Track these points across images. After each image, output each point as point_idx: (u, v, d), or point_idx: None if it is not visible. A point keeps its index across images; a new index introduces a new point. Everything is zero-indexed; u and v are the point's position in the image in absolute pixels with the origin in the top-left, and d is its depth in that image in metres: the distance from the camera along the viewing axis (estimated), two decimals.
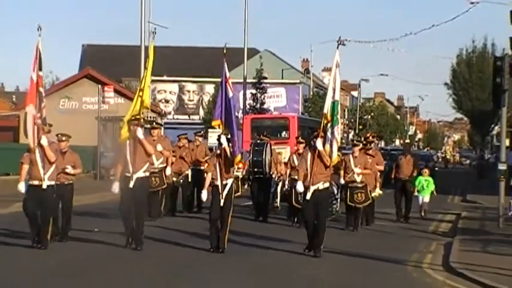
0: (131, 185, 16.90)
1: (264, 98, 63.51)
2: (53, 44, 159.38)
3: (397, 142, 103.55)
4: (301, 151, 21.47)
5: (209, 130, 54.04)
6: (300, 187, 17.70)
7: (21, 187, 16.85)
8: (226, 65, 18.48)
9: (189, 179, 25.83)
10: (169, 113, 71.71)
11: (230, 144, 17.60)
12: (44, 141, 16.73)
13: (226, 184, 17.39)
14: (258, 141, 26.31)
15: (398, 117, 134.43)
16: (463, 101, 78.47)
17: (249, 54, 55.59)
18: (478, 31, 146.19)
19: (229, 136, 17.73)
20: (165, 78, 72.31)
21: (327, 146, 17.58)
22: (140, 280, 14.13)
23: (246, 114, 52.65)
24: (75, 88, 61.10)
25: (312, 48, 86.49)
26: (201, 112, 72.76)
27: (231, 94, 18.21)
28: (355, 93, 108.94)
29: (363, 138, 30.55)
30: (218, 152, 17.62)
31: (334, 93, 18.11)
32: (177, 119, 71.92)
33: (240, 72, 57.76)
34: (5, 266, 15.06)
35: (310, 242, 17.49)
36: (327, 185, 17.71)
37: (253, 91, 63.00)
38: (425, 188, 26.95)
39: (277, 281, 15.00)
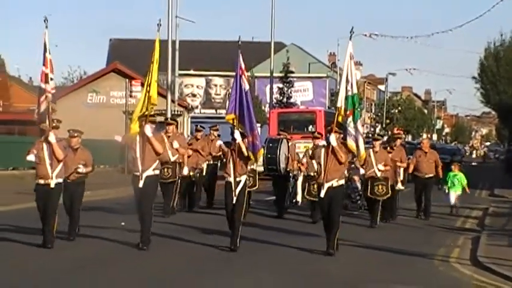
0: (140, 184, 16.39)
1: (290, 92, 63.65)
2: (81, 39, 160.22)
3: (424, 136, 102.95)
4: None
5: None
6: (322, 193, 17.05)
7: (30, 157, 16.30)
8: (241, 57, 17.39)
9: (204, 173, 25.43)
10: (196, 107, 71.62)
11: (248, 139, 17.00)
12: (52, 138, 16.07)
13: (239, 181, 16.84)
14: (273, 138, 26.12)
15: (425, 111, 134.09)
16: (491, 95, 78.14)
17: (275, 49, 55.61)
18: (506, 24, 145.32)
19: (242, 131, 17.06)
20: (191, 72, 72.38)
21: (350, 141, 17.11)
22: (144, 279, 13.82)
23: (272, 108, 52.70)
24: (102, 82, 61.41)
25: (338, 42, 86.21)
26: (228, 104, 72.80)
27: (247, 87, 17.44)
28: (382, 87, 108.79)
29: (389, 133, 30.43)
30: (232, 147, 16.95)
31: (351, 86, 17.63)
32: (204, 113, 71.88)
33: (267, 66, 57.92)
34: (16, 262, 15.01)
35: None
36: (341, 182, 17.18)
37: (280, 85, 63.11)
38: (456, 184, 26.41)
39: (296, 274, 15.00)
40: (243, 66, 17.34)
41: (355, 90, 17.80)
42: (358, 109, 17.91)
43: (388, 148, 24.28)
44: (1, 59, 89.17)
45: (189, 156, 23.51)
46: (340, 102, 17.72)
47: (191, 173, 24.11)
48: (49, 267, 14.59)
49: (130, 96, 57.80)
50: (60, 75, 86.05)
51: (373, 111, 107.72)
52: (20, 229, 18.42)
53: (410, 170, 24.89)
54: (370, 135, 46.80)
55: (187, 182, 24.37)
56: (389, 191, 22.60)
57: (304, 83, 75.00)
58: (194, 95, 75.92)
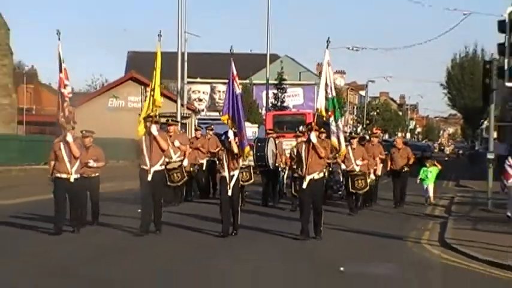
0: (149, 178, 16.17)
1: (284, 97, 63.76)
2: (102, 51, 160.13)
3: (400, 135, 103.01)
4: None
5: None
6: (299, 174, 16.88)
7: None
8: (233, 64, 16.94)
9: (204, 168, 24.78)
10: (202, 110, 71.64)
11: (237, 138, 16.63)
12: (69, 137, 15.99)
13: (233, 175, 16.45)
14: (261, 138, 25.76)
15: (400, 113, 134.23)
16: (457, 99, 78.71)
17: (271, 59, 55.60)
18: (469, 38, 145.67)
19: (235, 130, 16.73)
20: (198, 80, 72.32)
21: (333, 139, 17.09)
22: (155, 264, 13.30)
23: (268, 111, 52.81)
24: (121, 89, 61.48)
25: (325, 53, 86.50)
26: None
27: (238, 91, 17.01)
28: (363, 93, 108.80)
29: (369, 132, 30.39)
30: (226, 145, 16.64)
31: (331, 90, 17.50)
32: (209, 115, 71.90)
33: (263, 75, 57.92)
34: (43, 248, 14.68)
35: (304, 230, 16.46)
36: (321, 174, 16.82)
37: (275, 91, 63.21)
38: (429, 177, 25.89)
39: (286, 254, 14.96)
40: (235, 72, 17.02)
41: (334, 93, 17.70)
42: (339, 110, 17.68)
43: (367, 144, 24.16)
44: (34, 69, 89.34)
45: (189, 153, 22.95)
46: (320, 104, 17.57)
47: (191, 168, 23.41)
48: (72, 253, 14.34)
49: (145, 100, 57.67)
50: (85, 82, 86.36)
51: (355, 113, 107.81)
52: (48, 218, 17.82)
53: (388, 165, 24.60)
54: (347, 134, 47.07)
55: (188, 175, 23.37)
56: (368, 185, 22.28)
57: (296, 89, 74.93)
58: (200, 100, 75.75)
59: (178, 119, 39.76)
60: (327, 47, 17.75)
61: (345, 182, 22.79)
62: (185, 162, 22.54)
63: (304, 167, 16.49)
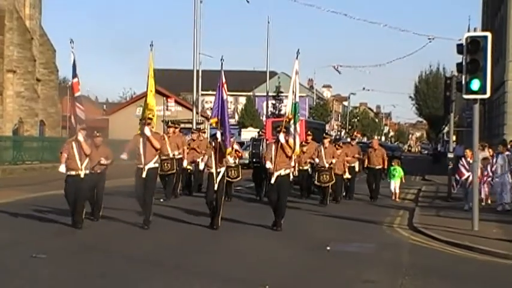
0: (144, 175, 14.96)
1: (281, 107, 64.00)
2: (131, 68, 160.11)
3: (376, 137, 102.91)
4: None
5: (242, 130, 54.09)
6: (268, 165, 15.67)
7: (62, 168, 14.90)
8: (223, 73, 15.95)
9: (199, 166, 23.42)
10: None
11: (223, 139, 15.66)
12: (81, 137, 14.88)
13: (219, 172, 15.27)
14: (256, 138, 25.35)
15: (376, 120, 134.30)
16: (423, 109, 78.94)
17: (270, 75, 55.71)
18: (433, 58, 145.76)
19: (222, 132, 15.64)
20: (210, 92, 72.27)
21: (291, 139, 15.90)
22: (148, 253, 12.32)
23: (268, 118, 52.92)
24: None
25: (315, 71, 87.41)
26: (236, 117, 72.83)
27: (225, 97, 15.97)
28: (346, 103, 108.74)
29: (351, 134, 30.23)
30: (214, 145, 15.45)
31: (294, 96, 16.52)
32: None
33: (264, 88, 57.92)
34: (45, 241, 13.19)
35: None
36: (288, 171, 15.75)
37: (273, 102, 63.36)
38: (396, 175, 24.54)
39: (278, 238, 14.93)
40: (223, 79, 15.96)
41: (297, 99, 16.72)
42: (298, 114, 16.70)
43: (348, 145, 24.05)
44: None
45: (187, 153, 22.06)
46: (288, 108, 16.85)
47: (189, 166, 22.43)
48: (78, 242, 13.42)
49: (167, 109, 57.78)
50: (117, 94, 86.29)
51: (339, 120, 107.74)
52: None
53: (365, 163, 24.01)
54: (332, 137, 46.84)
55: (186, 173, 22.79)
56: (333, 179, 21.12)
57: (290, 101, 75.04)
58: (212, 109, 75.93)
59: (194, 124, 39.87)
60: (297, 58, 16.86)
61: (313, 176, 21.82)
62: (185, 163, 21.87)
63: (273, 164, 15.54)
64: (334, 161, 21.17)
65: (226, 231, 15.02)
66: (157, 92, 62.46)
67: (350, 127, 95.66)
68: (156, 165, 15.46)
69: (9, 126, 42.45)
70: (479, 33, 16.44)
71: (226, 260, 12.02)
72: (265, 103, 58.55)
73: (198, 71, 42.23)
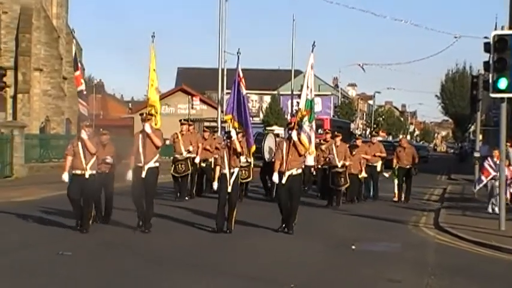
0: (143, 175, 13.82)
1: None
2: (158, 67, 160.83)
3: (401, 136, 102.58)
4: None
5: (267, 128, 54.07)
6: (275, 178, 14.61)
7: (65, 177, 13.94)
8: (240, 67, 15.00)
9: (212, 166, 20.59)
10: None
11: (245, 137, 15.00)
12: (84, 134, 13.83)
13: (233, 172, 14.24)
14: (260, 133, 24.34)
15: (402, 119, 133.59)
16: (449, 107, 78.45)
17: (295, 74, 55.46)
18: (460, 57, 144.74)
19: (239, 130, 14.81)
20: None
21: (303, 137, 14.82)
22: (155, 257, 11.57)
23: (292, 116, 52.81)
24: (172, 98, 61.97)
25: (340, 69, 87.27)
26: (261, 115, 72.85)
27: (244, 92, 14.92)
28: (371, 102, 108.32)
29: (374, 132, 29.63)
30: (228, 144, 14.40)
31: (310, 91, 15.48)
32: None
33: (289, 87, 57.83)
34: (50, 245, 12.53)
35: (283, 221, 14.62)
36: (299, 171, 14.70)
37: (299, 100, 63.17)
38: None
39: (303, 235, 14.88)
40: (241, 74, 15.03)
41: (312, 95, 15.73)
42: (313, 112, 15.74)
43: (368, 144, 23.09)
44: (101, 82, 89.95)
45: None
46: (302, 104, 15.60)
47: (203, 164, 21.32)
48: (97, 241, 12.89)
49: (192, 108, 58.15)
50: (143, 93, 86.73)
51: (364, 119, 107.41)
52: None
53: (394, 162, 22.58)
54: (355, 135, 46.51)
55: (199, 172, 21.44)
56: (348, 182, 20.03)
57: (315, 99, 74.41)
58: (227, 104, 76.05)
59: (219, 123, 39.96)
60: (312, 51, 15.84)
61: (324, 179, 20.63)
62: (197, 160, 20.90)
63: (284, 163, 14.51)
64: (347, 163, 20.02)
65: (243, 232, 14.44)
66: (183, 90, 63.17)
67: (375, 126, 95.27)
68: (157, 164, 14.21)
69: (36, 124, 42.73)
70: (506, 31, 16.33)
71: (249, 259, 11.97)
72: (289, 102, 58.41)
73: (223, 70, 42.25)
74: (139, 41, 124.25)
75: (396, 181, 22.87)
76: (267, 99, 74.72)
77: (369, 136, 30.25)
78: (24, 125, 32.27)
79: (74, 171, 13.91)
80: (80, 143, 13.89)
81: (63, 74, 46.05)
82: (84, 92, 15.03)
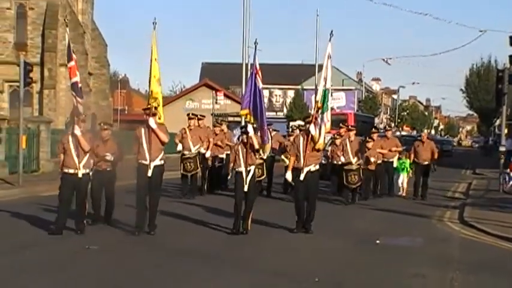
0: (149, 173, 12.87)
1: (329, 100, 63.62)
2: (182, 62, 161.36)
3: (426, 131, 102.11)
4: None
5: (290, 123, 54.01)
6: (288, 176, 14.12)
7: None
8: (257, 58, 14.11)
9: (224, 162, 20.69)
10: None
11: (259, 134, 13.99)
12: (77, 130, 12.84)
13: (249, 170, 13.33)
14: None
15: (426, 113, 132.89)
16: (474, 102, 77.90)
17: (319, 69, 55.35)
18: (485, 51, 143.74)
19: (255, 126, 13.83)
20: None
21: (313, 130, 13.91)
22: (159, 260, 10.79)
23: (315, 112, 52.77)
24: (196, 93, 62.09)
25: (363, 64, 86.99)
26: (285, 110, 72.82)
27: (260, 85, 13.92)
28: (395, 96, 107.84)
29: (387, 126, 28.69)
30: (244, 140, 13.47)
31: (325, 81, 14.65)
32: (268, 115, 72.16)
33: (312, 81, 57.73)
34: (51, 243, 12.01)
35: (298, 221, 13.88)
36: (317, 167, 13.89)
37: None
38: (404, 169, 22.42)
39: (324, 230, 14.81)
40: (258, 66, 14.04)
41: (328, 86, 14.89)
42: (328, 103, 14.84)
43: (383, 138, 22.24)
44: (126, 77, 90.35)
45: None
46: (319, 96, 14.71)
47: (216, 162, 20.57)
48: (78, 249, 11.65)
49: (216, 103, 58.29)
50: (168, 88, 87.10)
51: (388, 113, 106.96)
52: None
53: (411, 157, 21.85)
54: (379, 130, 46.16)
55: (209, 168, 20.56)
56: (362, 179, 19.41)
57: (339, 93, 74.50)
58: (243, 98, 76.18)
59: (243, 118, 39.84)
60: (330, 40, 14.95)
61: (340, 174, 19.68)
62: (207, 154, 19.97)
63: (302, 159, 13.75)
64: (361, 162, 19.39)
65: (262, 229, 14.10)
66: (207, 85, 63.34)
67: (399, 120, 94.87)
68: (162, 162, 13.16)
69: (62, 119, 43.02)
70: None
71: (270, 255, 11.92)
72: (313, 96, 58.32)
73: (247, 65, 42.29)
74: (161, 35, 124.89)
75: (402, 175, 22.36)
76: (291, 94, 74.72)
77: (383, 130, 29.70)
78: (51, 120, 32.45)
79: (65, 170, 12.92)
80: (71, 140, 12.91)
81: (89, 70, 46.38)
82: (79, 85, 13.76)
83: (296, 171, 13.96)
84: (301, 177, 13.72)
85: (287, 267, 10.69)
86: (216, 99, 60.18)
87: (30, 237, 12.73)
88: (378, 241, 13.13)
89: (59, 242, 12.30)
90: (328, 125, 14.87)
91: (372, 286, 9.66)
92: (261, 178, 19.16)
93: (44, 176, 25.73)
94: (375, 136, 21.11)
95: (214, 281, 9.60)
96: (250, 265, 10.80)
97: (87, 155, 12.99)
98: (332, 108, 65.93)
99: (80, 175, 12.84)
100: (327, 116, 14.57)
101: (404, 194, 22.22)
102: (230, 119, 40.73)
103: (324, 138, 15.01)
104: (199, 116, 20.31)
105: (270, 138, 15.07)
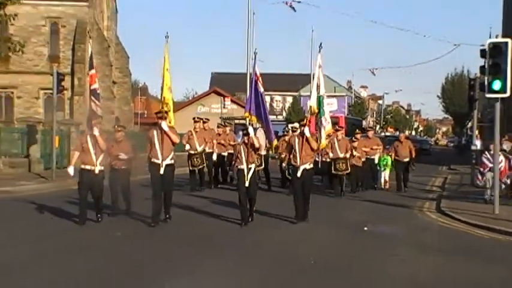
0: (161, 171, 12.75)
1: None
2: (194, 72, 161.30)
3: (407, 132, 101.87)
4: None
5: (289, 125, 53.95)
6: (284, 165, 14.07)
7: (70, 170, 13.05)
8: (257, 66, 14.11)
9: (225, 160, 20.94)
10: None
11: (266, 133, 13.93)
12: (96, 131, 12.80)
13: (250, 168, 13.17)
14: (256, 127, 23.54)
15: (407, 116, 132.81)
16: (449, 106, 78.04)
17: (313, 77, 55.44)
18: (458, 62, 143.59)
19: (257, 126, 13.87)
20: None
21: (307, 132, 13.91)
22: (175, 245, 10.90)
23: (310, 116, 52.70)
24: (207, 99, 62.14)
25: (353, 73, 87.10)
26: (284, 113, 72.76)
27: (262, 90, 13.86)
28: (380, 102, 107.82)
29: (368, 127, 28.21)
30: (245, 140, 13.24)
31: (318, 88, 14.88)
32: (269, 118, 72.10)
33: (308, 89, 57.73)
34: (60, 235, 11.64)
35: (298, 212, 13.77)
36: (311, 165, 13.86)
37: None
38: (386, 165, 22.37)
39: (317, 220, 14.80)
40: (258, 73, 14.08)
41: (321, 92, 15.19)
42: (323, 108, 15.10)
43: (366, 138, 21.94)
44: (145, 85, 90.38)
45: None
46: (312, 102, 15.23)
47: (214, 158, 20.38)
48: (99, 237, 11.54)
49: (224, 107, 58.19)
50: (182, 94, 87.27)
51: (374, 116, 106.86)
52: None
53: (392, 156, 21.91)
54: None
55: (216, 165, 20.84)
56: (348, 168, 19.37)
57: (331, 99, 74.12)
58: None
59: (247, 121, 39.81)
60: (319, 51, 15.31)
61: (328, 167, 19.56)
62: (214, 157, 20.18)
63: (298, 158, 13.79)
64: (348, 155, 19.41)
65: (264, 220, 14.02)
66: (216, 92, 63.27)
67: (384, 123, 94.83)
68: (172, 161, 13.02)
69: None
70: (500, 39, 16.15)
71: (272, 240, 11.95)
72: (308, 102, 58.40)
73: (250, 74, 42.32)
74: (178, 49, 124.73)
75: (383, 171, 22.41)
76: (289, 99, 74.75)
77: (379, 132, 29.71)
78: (80, 122, 32.47)
79: (83, 166, 12.88)
80: (90, 140, 12.87)
81: (113, 79, 46.38)
82: (98, 91, 13.94)
83: (293, 169, 14.07)
84: (298, 174, 13.77)
85: (286, 251, 10.73)
86: (224, 104, 60.25)
87: (60, 225, 12.81)
88: (365, 228, 13.14)
89: (84, 229, 12.38)
90: (328, 127, 14.95)
91: (358, 266, 9.67)
92: (259, 168, 18.90)
93: (74, 172, 25.69)
94: (358, 136, 21.31)
95: (226, 264, 9.63)
96: (254, 249, 10.84)
97: (103, 153, 12.92)
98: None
99: (96, 171, 12.79)
100: (326, 119, 14.82)
101: (387, 187, 22.22)
102: (236, 121, 40.64)
103: (325, 139, 15.20)
104: (203, 120, 20.52)
105: (273, 137, 15.13)
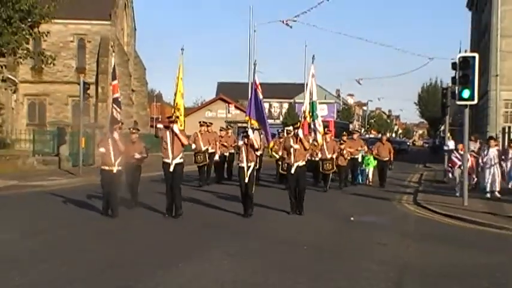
0: (171, 169, 12.61)
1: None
2: (203, 82, 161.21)
3: (388, 134, 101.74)
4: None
5: (285, 128, 53.99)
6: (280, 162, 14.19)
7: (102, 150, 12.67)
8: (257, 76, 14.05)
9: (226, 159, 21.19)
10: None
11: (263, 135, 13.92)
12: (116, 135, 12.68)
13: (250, 166, 12.98)
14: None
15: (388, 121, 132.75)
16: (424, 112, 78.20)
17: (306, 87, 55.46)
18: (433, 73, 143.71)
19: (256, 128, 13.85)
20: None
21: (300, 134, 13.95)
22: (184, 235, 10.68)
23: (304, 120, 52.60)
24: (213, 105, 62.16)
25: (341, 83, 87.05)
26: (281, 118, 72.75)
27: (261, 97, 13.76)
28: (365, 108, 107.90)
29: (369, 132, 28.75)
30: (245, 141, 13.08)
31: (311, 95, 15.13)
32: (268, 122, 71.99)
33: (302, 97, 57.72)
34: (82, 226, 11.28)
35: (292, 205, 13.78)
36: (304, 163, 13.86)
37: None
38: (370, 163, 22.48)
39: (309, 212, 14.86)
40: (257, 82, 13.97)
41: (314, 98, 15.39)
42: (316, 112, 15.28)
43: (352, 140, 21.81)
44: (160, 93, 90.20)
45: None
46: (305, 107, 15.50)
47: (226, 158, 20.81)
48: (117, 227, 11.28)
49: (228, 113, 58.18)
50: (192, 101, 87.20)
51: (360, 121, 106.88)
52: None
53: (374, 153, 21.95)
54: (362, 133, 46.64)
55: (218, 164, 20.75)
56: (334, 168, 19.37)
57: (322, 106, 73.88)
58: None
59: (248, 124, 39.73)
60: (312, 62, 15.73)
61: (316, 166, 19.45)
62: (217, 157, 20.08)
63: (292, 157, 13.80)
64: (335, 156, 19.42)
65: (264, 211, 13.92)
66: (222, 99, 63.15)
67: (368, 126, 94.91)
68: (182, 160, 12.83)
69: None
70: (469, 54, 16.25)
71: (272, 229, 11.94)
72: (302, 107, 58.37)
73: (252, 83, 42.42)
74: (190, 61, 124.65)
75: (367, 169, 22.54)
76: (286, 105, 74.78)
77: (364, 134, 29.91)
78: (103, 125, 32.53)
79: (103, 167, 12.75)
80: (110, 142, 12.66)
81: (132, 87, 46.45)
82: (120, 99, 13.97)
83: (288, 166, 14.10)
84: (292, 171, 13.81)
85: (284, 237, 10.75)
86: (229, 110, 60.33)
87: (87, 214, 12.86)
88: (352, 218, 13.16)
89: (106, 219, 12.40)
90: (321, 129, 15.20)
91: (345, 251, 9.70)
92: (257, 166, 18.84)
93: (98, 168, 25.71)
94: (345, 138, 21.40)
95: (230, 251, 9.67)
96: (257, 235, 10.85)
97: (121, 155, 12.80)
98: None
99: (114, 171, 12.65)
100: (318, 123, 15.10)
101: (371, 183, 22.26)
102: (239, 125, 40.62)
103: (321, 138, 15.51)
104: (208, 123, 20.64)
105: (270, 139, 15.03)
